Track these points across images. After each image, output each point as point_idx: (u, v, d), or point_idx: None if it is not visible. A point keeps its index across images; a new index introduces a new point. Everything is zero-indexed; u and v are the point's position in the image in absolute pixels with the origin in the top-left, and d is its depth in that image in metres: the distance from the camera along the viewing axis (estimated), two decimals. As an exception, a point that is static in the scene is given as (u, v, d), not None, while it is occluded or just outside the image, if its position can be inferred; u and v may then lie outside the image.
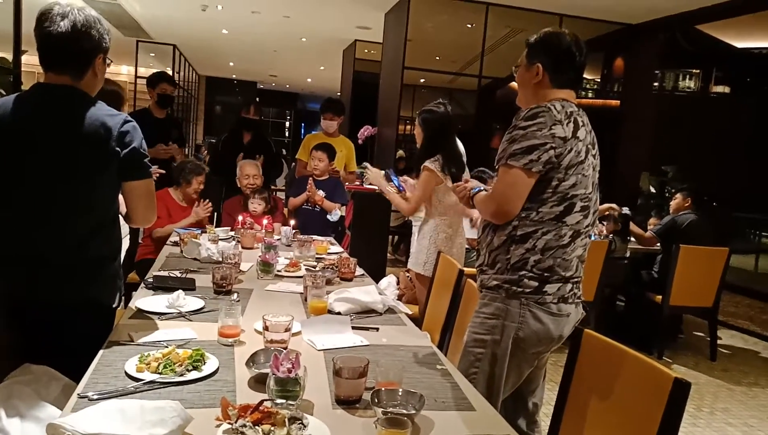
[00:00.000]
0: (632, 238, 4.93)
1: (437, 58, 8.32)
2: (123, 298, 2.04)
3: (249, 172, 4.20)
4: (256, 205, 4.08)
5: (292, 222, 3.87)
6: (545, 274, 1.86)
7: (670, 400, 1.43)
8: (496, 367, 1.92)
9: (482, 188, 2.08)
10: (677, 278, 4.36)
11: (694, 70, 8.72)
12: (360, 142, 7.16)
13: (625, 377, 1.63)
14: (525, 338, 1.89)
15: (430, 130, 3.26)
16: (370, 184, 3.58)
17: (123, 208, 1.98)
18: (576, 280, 1.93)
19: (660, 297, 4.48)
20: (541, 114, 1.82)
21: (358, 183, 5.37)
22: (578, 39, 1.96)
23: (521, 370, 1.97)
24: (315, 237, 3.61)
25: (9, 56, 3.68)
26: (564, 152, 1.81)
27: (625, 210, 4.94)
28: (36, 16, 1.79)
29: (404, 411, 1.36)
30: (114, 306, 1.95)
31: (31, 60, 3.63)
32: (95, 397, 1.36)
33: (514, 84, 2.28)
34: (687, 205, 4.86)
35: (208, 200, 3.97)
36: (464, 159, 3.92)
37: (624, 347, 1.65)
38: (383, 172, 3.53)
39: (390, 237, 7.24)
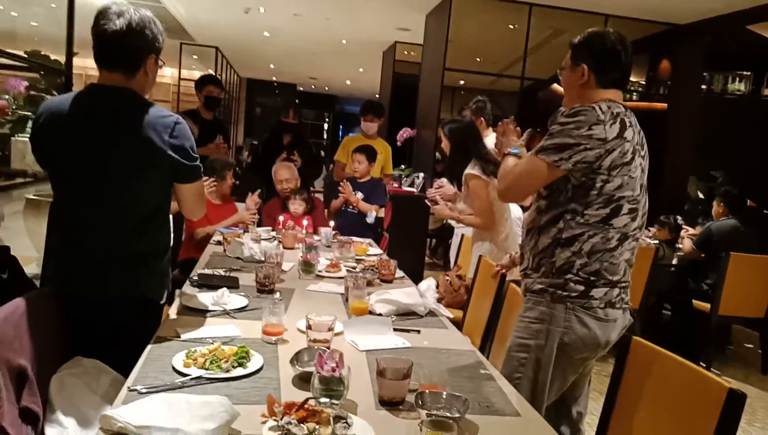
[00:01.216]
0: (680, 246, 4.81)
1: (478, 59, 8.26)
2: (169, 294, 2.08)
3: (282, 176, 4.22)
4: (297, 206, 4.12)
5: (332, 223, 3.89)
6: (591, 278, 1.83)
7: (724, 412, 1.38)
8: (540, 372, 1.89)
9: (519, 153, 2.07)
10: (726, 287, 4.22)
11: (744, 73, 8.42)
12: (399, 144, 7.17)
13: (675, 387, 1.58)
14: (570, 343, 1.85)
15: (456, 140, 3.26)
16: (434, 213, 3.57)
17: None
18: (623, 284, 1.89)
19: (708, 306, 4.34)
20: (582, 112, 1.80)
21: (396, 185, 5.38)
22: (623, 38, 1.93)
23: (566, 376, 1.93)
24: (354, 238, 3.63)
25: (61, 58, 3.80)
26: (603, 153, 1.77)
27: (679, 220, 4.82)
28: (95, 15, 1.84)
29: (448, 414, 1.35)
30: (162, 302, 2.00)
31: (79, 62, 3.74)
32: (144, 390, 1.39)
33: (556, 86, 2.25)
34: (722, 211, 4.70)
35: (256, 194, 3.98)
36: None
37: (675, 356, 1.60)
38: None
39: (428, 240, 7.21)
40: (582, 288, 1.83)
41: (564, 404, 2.02)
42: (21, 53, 3.61)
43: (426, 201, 3.59)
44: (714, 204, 4.82)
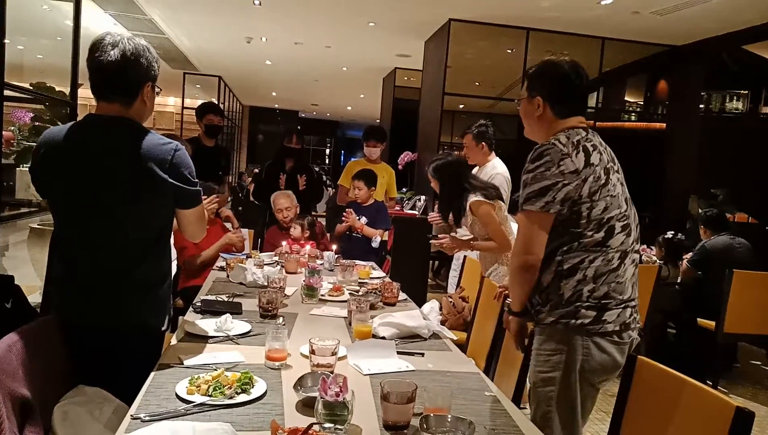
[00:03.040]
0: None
1: (477, 83, 8.35)
2: (171, 321, 2.08)
3: (281, 205, 4.24)
4: (292, 229, 4.16)
5: (335, 247, 3.89)
6: (602, 302, 1.80)
7: (732, 431, 1.37)
8: (570, 402, 1.85)
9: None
10: (731, 305, 4.19)
11: (742, 91, 8.50)
12: (400, 167, 7.21)
13: (682, 407, 1.56)
14: (591, 370, 1.82)
15: (445, 177, 3.27)
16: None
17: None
18: (633, 303, 1.87)
19: (713, 324, 4.32)
20: (545, 152, 1.80)
21: (398, 208, 5.40)
22: (577, 65, 1.94)
23: (594, 400, 1.93)
24: (357, 262, 3.63)
25: (66, 89, 3.86)
26: (580, 183, 1.78)
27: (669, 234, 4.82)
28: (89, 46, 1.84)
29: (453, 438, 1.34)
30: (163, 329, 1.99)
31: (84, 93, 3.80)
32: (147, 418, 1.38)
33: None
34: (705, 233, 4.80)
35: (239, 229, 4.00)
36: (508, 181, 3.91)
37: (681, 375, 1.59)
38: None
39: (431, 262, 7.20)
40: (594, 313, 1.80)
41: None
42: (27, 85, 3.66)
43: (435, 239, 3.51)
44: (700, 229, 4.92)
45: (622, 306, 1.82)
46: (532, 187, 1.80)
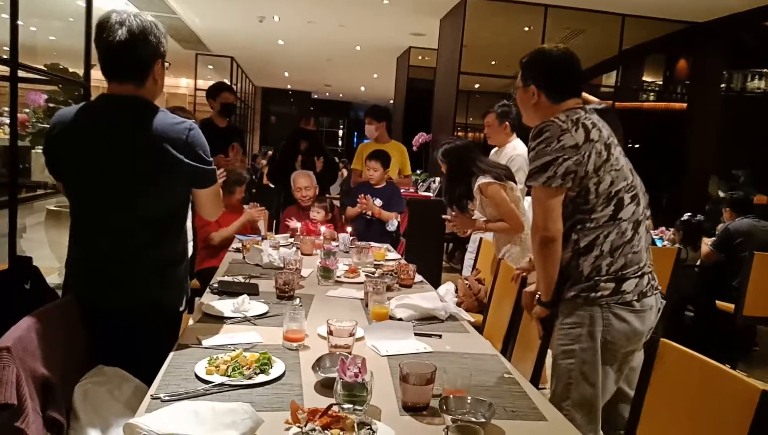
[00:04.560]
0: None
1: (493, 62, 8.23)
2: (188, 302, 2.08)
3: (301, 184, 4.23)
4: (315, 213, 4.14)
5: (350, 229, 3.88)
6: (620, 273, 1.85)
7: (758, 414, 1.34)
8: (590, 374, 1.87)
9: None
10: (751, 287, 4.13)
11: (764, 70, 8.32)
12: (415, 149, 7.16)
13: (705, 390, 1.55)
14: (613, 340, 1.86)
15: (454, 160, 3.24)
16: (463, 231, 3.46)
17: None
18: (649, 269, 1.91)
19: (732, 307, 4.26)
20: (545, 129, 1.85)
21: (412, 190, 5.36)
22: (568, 51, 1.98)
23: (621, 369, 1.94)
24: (372, 243, 3.61)
25: (79, 70, 3.86)
26: (582, 159, 1.81)
27: (686, 216, 4.75)
28: (95, 25, 1.81)
29: (474, 419, 1.33)
30: (181, 310, 1.99)
31: (97, 74, 3.80)
32: (167, 398, 1.39)
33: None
34: (729, 216, 4.75)
35: (258, 204, 4.02)
36: (528, 163, 3.87)
37: (704, 358, 1.57)
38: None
39: (445, 244, 7.17)
40: (613, 285, 1.85)
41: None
42: (41, 67, 3.66)
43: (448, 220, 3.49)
44: (723, 212, 4.83)
45: (639, 274, 1.87)
46: (535, 163, 1.86)
